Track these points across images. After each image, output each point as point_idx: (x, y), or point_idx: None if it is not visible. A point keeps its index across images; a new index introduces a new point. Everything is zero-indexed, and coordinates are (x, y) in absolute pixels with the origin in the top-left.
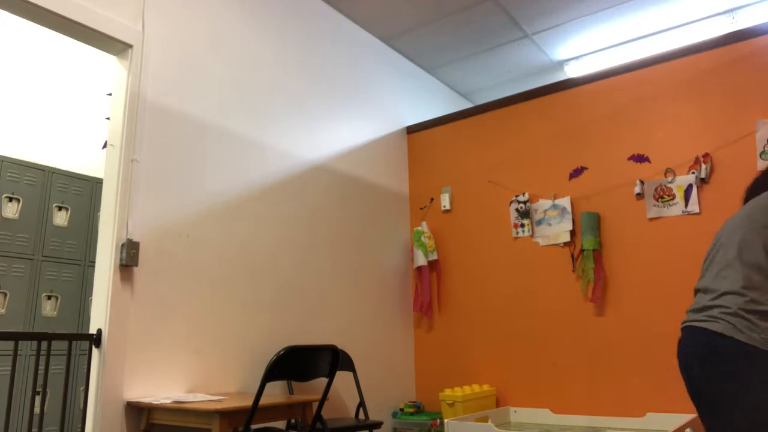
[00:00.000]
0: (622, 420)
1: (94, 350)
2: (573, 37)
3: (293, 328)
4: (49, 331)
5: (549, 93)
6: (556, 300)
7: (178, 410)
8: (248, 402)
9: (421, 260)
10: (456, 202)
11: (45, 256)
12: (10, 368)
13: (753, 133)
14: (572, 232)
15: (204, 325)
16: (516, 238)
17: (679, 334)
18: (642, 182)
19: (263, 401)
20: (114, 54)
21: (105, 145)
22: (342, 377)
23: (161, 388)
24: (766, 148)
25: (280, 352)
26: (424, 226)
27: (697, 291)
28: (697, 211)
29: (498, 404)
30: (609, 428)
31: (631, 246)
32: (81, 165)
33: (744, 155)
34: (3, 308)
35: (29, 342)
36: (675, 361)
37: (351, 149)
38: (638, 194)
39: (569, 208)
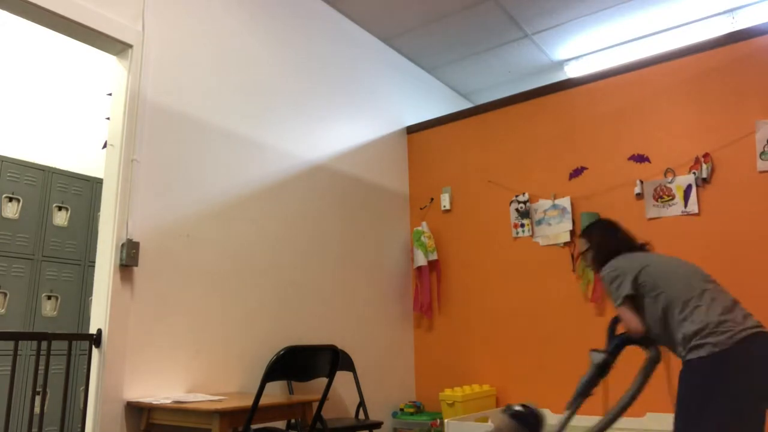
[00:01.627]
0: (622, 420)
1: (94, 350)
2: (573, 37)
3: (293, 327)
4: (49, 331)
5: (549, 93)
6: (556, 300)
7: (178, 410)
8: (248, 402)
9: (421, 260)
10: (456, 202)
11: (45, 256)
12: (10, 368)
13: (753, 133)
14: (572, 232)
15: (204, 325)
16: (516, 238)
17: None
18: (642, 182)
19: (263, 401)
20: (114, 54)
21: (105, 145)
22: (342, 377)
23: (161, 388)
24: (766, 149)
25: (280, 351)
26: (424, 226)
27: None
28: (696, 211)
29: (498, 404)
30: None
31: None
32: (81, 165)
33: (744, 155)
34: (3, 308)
35: (29, 342)
36: (675, 361)
37: (351, 149)
38: (638, 194)
39: (569, 208)
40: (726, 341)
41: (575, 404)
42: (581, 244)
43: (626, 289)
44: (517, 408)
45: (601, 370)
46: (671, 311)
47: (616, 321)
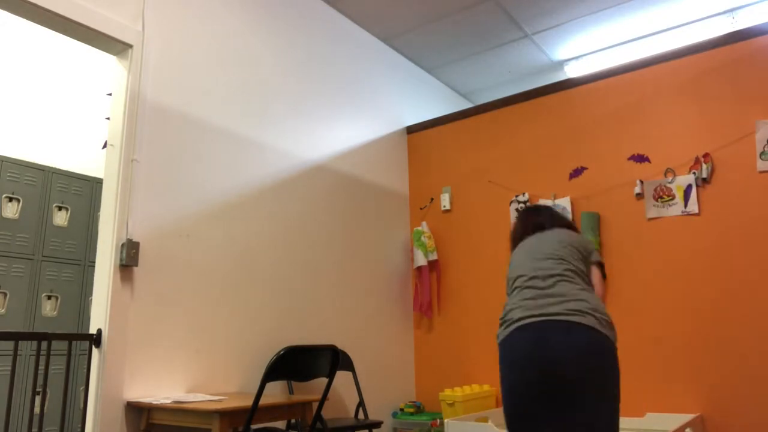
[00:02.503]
0: (622, 420)
1: (94, 350)
2: (573, 37)
3: (293, 328)
4: (49, 331)
5: (549, 93)
6: None
7: (178, 410)
8: (248, 402)
9: (421, 260)
10: (456, 202)
11: (45, 256)
12: (10, 368)
13: (753, 133)
14: None
15: (204, 325)
16: None
17: (678, 332)
18: (642, 182)
19: (263, 401)
20: (114, 54)
21: (105, 145)
22: (342, 377)
23: (161, 388)
24: (765, 149)
25: (280, 352)
26: (424, 226)
27: None
28: (696, 211)
29: (498, 404)
30: None
31: (630, 246)
32: (81, 165)
33: (744, 155)
34: (3, 308)
35: (29, 342)
36: (675, 361)
37: (351, 149)
38: (638, 194)
39: (569, 208)
40: (501, 334)
41: None
42: None
43: (507, 289)
44: None
45: None
46: None
47: None
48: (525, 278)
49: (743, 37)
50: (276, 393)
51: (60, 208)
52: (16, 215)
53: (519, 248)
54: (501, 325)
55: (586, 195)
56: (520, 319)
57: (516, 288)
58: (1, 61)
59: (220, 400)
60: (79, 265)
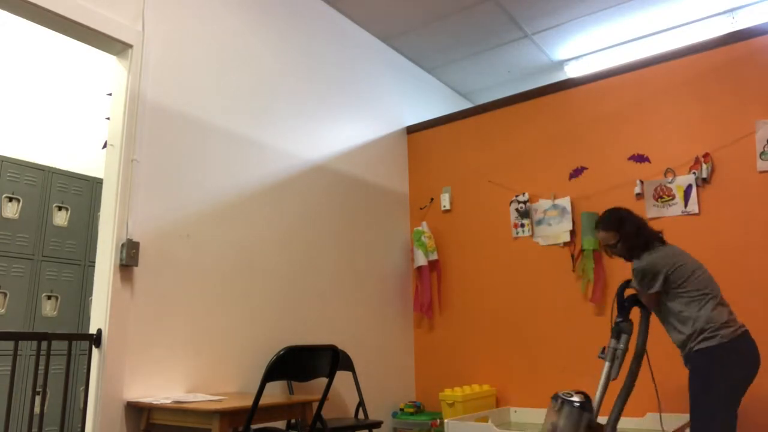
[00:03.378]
0: (622, 420)
1: (94, 350)
2: (573, 37)
3: (293, 328)
4: (49, 331)
5: (549, 93)
6: (555, 300)
7: (178, 410)
8: (248, 402)
9: (421, 260)
10: (456, 202)
11: (45, 256)
12: (10, 368)
13: (753, 133)
14: (572, 232)
15: (204, 325)
16: (516, 238)
17: None
18: (642, 182)
19: (263, 401)
20: (114, 54)
21: (105, 145)
22: (342, 377)
23: (161, 388)
24: (766, 149)
25: (280, 352)
26: (424, 226)
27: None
28: (697, 211)
29: (498, 404)
30: None
31: None
32: (81, 165)
33: (744, 155)
34: (3, 308)
35: (29, 342)
36: (676, 362)
37: (351, 149)
38: (638, 194)
39: (569, 208)
40: (730, 335)
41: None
42: (608, 237)
43: (657, 286)
44: (578, 398)
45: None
46: (692, 305)
47: (625, 286)
48: (716, 293)
49: (743, 37)
50: (276, 393)
51: (60, 208)
52: (16, 215)
53: (688, 260)
54: (720, 329)
55: (586, 195)
56: (739, 327)
57: (711, 298)
58: (1, 61)
59: (220, 400)
60: (79, 265)
